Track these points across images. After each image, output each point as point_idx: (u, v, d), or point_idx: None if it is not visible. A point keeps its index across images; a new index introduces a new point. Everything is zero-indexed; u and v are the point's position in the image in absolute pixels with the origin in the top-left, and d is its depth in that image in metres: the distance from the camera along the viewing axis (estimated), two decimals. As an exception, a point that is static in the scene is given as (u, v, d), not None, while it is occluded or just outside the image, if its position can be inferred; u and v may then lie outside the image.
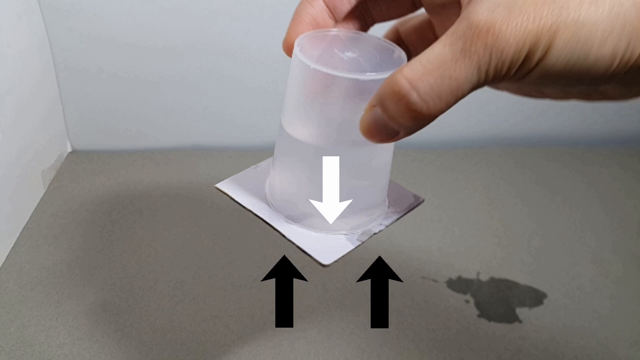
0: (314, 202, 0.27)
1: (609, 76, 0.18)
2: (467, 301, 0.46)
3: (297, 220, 0.28)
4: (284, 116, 0.28)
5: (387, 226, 0.29)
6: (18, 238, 0.50)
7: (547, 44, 0.18)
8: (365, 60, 0.25)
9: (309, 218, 0.27)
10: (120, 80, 0.60)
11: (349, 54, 0.25)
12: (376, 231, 0.29)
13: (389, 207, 0.30)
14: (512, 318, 0.44)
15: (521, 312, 0.45)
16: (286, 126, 0.27)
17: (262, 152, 0.65)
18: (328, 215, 0.27)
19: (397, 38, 0.29)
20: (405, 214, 0.30)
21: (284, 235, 0.27)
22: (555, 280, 0.49)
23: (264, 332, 0.41)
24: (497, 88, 0.24)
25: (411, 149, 0.66)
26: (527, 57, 0.18)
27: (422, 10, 0.27)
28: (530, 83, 0.19)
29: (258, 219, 0.28)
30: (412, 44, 0.28)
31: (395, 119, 0.20)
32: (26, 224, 0.51)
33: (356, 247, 0.27)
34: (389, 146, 0.27)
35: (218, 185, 0.30)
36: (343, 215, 0.27)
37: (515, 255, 0.51)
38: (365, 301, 0.45)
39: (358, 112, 0.22)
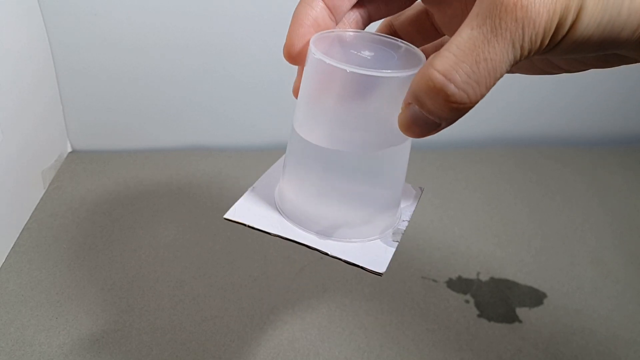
0: (340, 214, 0.26)
1: (634, 44, 0.18)
2: (467, 301, 0.46)
3: (328, 234, 0.27)
4: (301, 123, 0.26)
5: (408, 221, 0.29)
6: (18, 238, 0.50)
7: (577, 6, 0.17)
8: (384, 58, 0.25)
9: (338, 229, 0.26)
10: (120, 80, 0.60)
11: (367, 53, 0.25)
12: (404, 228, 0.29)
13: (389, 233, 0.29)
14: (512, 318, 0.44)
15: (521, 312, 0.45)
16: (303, 133, 0.26)
17: (262, 152, 0.65)
18: (359, 224, 0.26)
19: (392, 32, 0.28)
20: (416, 206, 0.30)
21: (327, 254, 0.26)
22: (555, 280, 0.49)
23: (264, 332, 0.41)
24: (510, 71, 0.24)
25: (411, 149, 0.66)
26: (560, 24, 0.17)
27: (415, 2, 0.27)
28: (562, 53, 0.19)
29: (287, 240, 0.27)
30: (408, 36, 0.28)
31: (436, 113, 0.19)
32: (26, 224, 0.51)
33: (397, 248, 0.27)
34: (408, 147, 0.27)
35: (227, 216, 0.29)
36: (370, 220, 0.27)
37: (515, 255, 0.51)
38: (366, 301, 0.45)
39: (393, 111, 0.21)
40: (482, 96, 0.19)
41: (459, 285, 0.47)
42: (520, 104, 0.68)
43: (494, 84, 0.18)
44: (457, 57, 0.18)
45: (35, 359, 0.38)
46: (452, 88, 0.18)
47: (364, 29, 0.27)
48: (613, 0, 0.17)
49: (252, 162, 0.63)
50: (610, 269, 0.51)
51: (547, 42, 0.18)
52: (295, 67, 0.26)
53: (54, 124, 0.61)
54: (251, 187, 0.30)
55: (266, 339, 0.41)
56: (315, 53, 0.23)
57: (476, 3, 0.18)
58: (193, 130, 0.65)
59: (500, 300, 0.46)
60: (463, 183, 0.62)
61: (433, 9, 0.26)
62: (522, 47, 0.18)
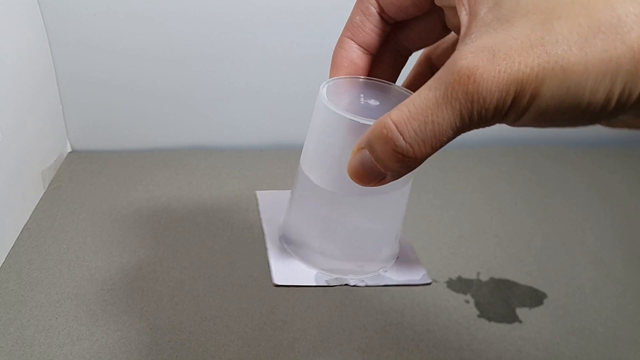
0: (314, 241, 0.27)
1: (608, 115, 0.17)
2: (467, 301, 0.46)
3: (296, 249, 0.28)
4: (304, 160, 0.27)
5: (366, 285, 0.29)
6: (18, 238, 0.50)
7: (534, 91, 0.17)
8: (389, 106, 0.25)
9: (304, 249, 0.27)
10: (120, 80, 0.60)
11: (373, 101, 0.25)
12: (352, 284, 0.30)
13: (390, 268, 0.29)
14: (512, 318, 0.44)
15: (521, 312, 0.45)
16: (306, 170, 0.27)
17: (262, 152, 0.65)
18: (318, 253, 0.27)
19: (430, 65, 0.28)
20: (399, 285, 0.30)
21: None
22: (555, 280, 0.49)
23: (263, 332, 0.41)
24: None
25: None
26: (514, 103, 0.17)
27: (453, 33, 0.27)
28: (530, 124, 0.18)
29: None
30: None
31: (382, 162, 0.20)
32: (26, 224, 0.51)
33: (317, 286, 0.29)
34: (404, 195, 0.27)
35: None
36: (334, 256, 0.28)
37: (515, 255, 0.51)
38: (366, 301, 0.45)
39: None
40: (428, 155, 0.19)
41: (459, 285, 0.47)
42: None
43: (440, 146, 0.19)
44: (410, 113, 0.18)
45: (35, 359, 0.38)
46: (400, 140, 0.18)
47: (404, 62, 0.28)
48: (573, 91, 0.16)
49: (252, 162, 0.63)
50: (610, 269, 0.51)
51: (501, 116, 0.18)
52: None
53: (54, 124, 0.61)
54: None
55: (266, 339, 0.41)
56: (322, 99, 0.24)
57: (444, 65, 0.18)
58: (193, 130, 0.65)
59: (500, 300, 0.46)
60: (463, 183, 0.62)
61: None
62: (470, 118, 0.18)
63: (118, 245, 0.50)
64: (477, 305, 0.45)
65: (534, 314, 0.45)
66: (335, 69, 0.26)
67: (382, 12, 0.26)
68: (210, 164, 0.63)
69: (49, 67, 0.58)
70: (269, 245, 0.34)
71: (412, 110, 0.18)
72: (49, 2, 0.54)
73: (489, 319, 0.44)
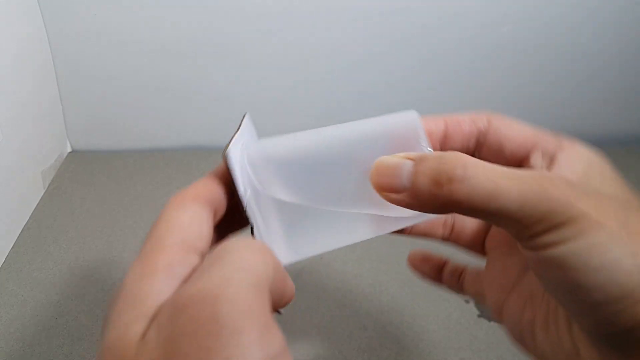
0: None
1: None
2: (467, 301, 0.46)
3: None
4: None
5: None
6: (18, 238, 0.50)
7: None
8: None
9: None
10: (119, 80, 0.60)
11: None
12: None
13: None
14: (512, 318, 0.44)
15: (521, 312, 0.45)
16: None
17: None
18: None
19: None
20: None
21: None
22: (555, 280, 0.49)
23: (264, 332, 0.41)
24: None
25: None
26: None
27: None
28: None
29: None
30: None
31: (418, 184, 0.19)
32: (26, 224, 0.51)
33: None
34: None
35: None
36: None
37: (516, 255, 0.51)
38: (366, 301, 0.45)
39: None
40: (440, 210, 0.19)
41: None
42: (520, 104, 0.67)
43: (459, 212, 0.19)
44: (491, 173, 0.18)
45: (35, 359, 0.38)
46: (458, 183, 0.18)
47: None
48: None
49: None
50: (611, 269, 0.50)
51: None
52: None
53: (54, 124, 0.61)
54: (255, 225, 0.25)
55: (266, 339, 0.41)
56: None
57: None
58: (193, 130, 0.65)
59: (500, 300, 0.46)
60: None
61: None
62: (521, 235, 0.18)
63: (118, 245, 0.50)
64: (477, 305, 0.45)
65: (534, 314, 0.45)
66: None
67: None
68: (210, 164, 0.63)
69: (49, 68, 0.58)
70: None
71: (496, 176, 0.17)
72: (49, 2, 0.54)
73: (489, 318, 0.44)
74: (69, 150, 0.64)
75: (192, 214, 0.19)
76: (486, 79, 0.64)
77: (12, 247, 0.48)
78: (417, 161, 0.19)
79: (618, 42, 0.62)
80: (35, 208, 0.54)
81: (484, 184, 0.17)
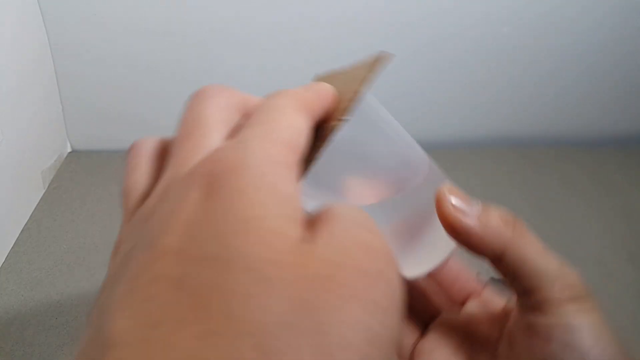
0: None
1: None
2: (467, 301, 0.46)
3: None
4: None
5: None
6: (18, 238, 0.49)
7: None
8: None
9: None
10: (120, 80, 0.60)
11: None
12: None
13: None
14: (513, 318, 0.44)
15: (521, 312, 0.45)
16: None
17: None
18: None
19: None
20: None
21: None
22: (555, 280, 0.49)
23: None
24: None
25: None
26: None
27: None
28: None
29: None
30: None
31: (489, 225, 0.23)
32: (26, 224, 0.51)
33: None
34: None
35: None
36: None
37: (516, 255, 0.51)
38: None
39: None
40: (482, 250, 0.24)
41: (459, 285, 0.47)
42: (521, 104, 0.67)
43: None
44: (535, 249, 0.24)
45: (35, 359, 0.38)
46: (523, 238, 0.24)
47: None
48: None
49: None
50: (610, 269, 0.50)
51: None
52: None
53: (54, 125, 0.61)
54: None
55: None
56: None
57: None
58: (193, 130, 0.65)
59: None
60: (463, 182, 0.62)
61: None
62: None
63: (118, 245, 0.49)
64: None
65: (534, 314, 0.45)
66: None
67: None
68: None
69: (50, 68, 0.58)
70: None
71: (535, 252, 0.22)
72: (50, 4, 0.54)
73: None
74: (69, 150, 0.64)
75: (308, 131, 0.17)
76: (486, 79, 0.64)
77: (12, 247, 0.48)
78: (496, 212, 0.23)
79: (618, 42, 0.62)
80: (35, 208, 0.54)
81: (539, 244, 0.22)
